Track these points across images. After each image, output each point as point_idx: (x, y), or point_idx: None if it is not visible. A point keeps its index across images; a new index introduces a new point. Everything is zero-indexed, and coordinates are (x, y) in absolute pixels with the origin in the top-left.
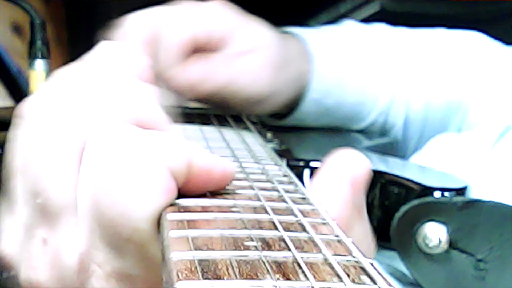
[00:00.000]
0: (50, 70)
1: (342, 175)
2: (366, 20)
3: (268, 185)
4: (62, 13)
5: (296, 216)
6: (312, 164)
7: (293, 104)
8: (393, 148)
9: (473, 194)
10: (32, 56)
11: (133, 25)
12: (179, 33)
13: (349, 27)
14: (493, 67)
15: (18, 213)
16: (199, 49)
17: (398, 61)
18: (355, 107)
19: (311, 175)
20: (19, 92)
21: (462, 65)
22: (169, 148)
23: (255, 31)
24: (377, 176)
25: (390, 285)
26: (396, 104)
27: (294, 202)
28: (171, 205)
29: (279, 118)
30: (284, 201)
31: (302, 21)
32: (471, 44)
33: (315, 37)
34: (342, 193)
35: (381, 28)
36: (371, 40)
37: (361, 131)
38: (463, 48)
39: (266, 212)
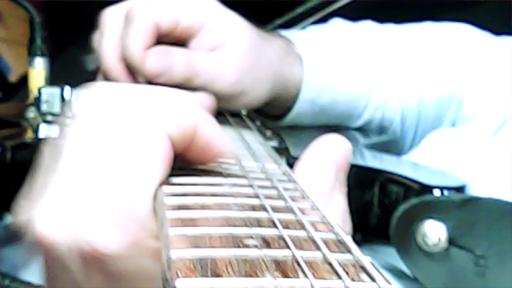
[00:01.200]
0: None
1: (326, 154)
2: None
3: (268, 183)
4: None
5: (295, 214)
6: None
7: (287, 106)
8: (391, 146)
9: (471, 189)
10: (31, 54)
11: (110, 16)
12: (141, 18)
13: (336, 26)
14: (484, 58)
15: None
16: (166, 37)
17: (388, 57)
18: (349, 104)
19: None
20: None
21: (452, 58)
22: (176, 112)
23: (227, 26)
24: (377, 175)
25: (389, 283)
26: (392, 100)
27: (293, 200)
28: (171, 203)
29: (276, 119)
30: (284, 199)
31: (259, 23)
32: (459, 36)
33: (302, 38)
34: (326, 166)
35: (368, 26)
36: (359, 37)
37: (360, 130)
38: (451, 41)
39: (266, 210)
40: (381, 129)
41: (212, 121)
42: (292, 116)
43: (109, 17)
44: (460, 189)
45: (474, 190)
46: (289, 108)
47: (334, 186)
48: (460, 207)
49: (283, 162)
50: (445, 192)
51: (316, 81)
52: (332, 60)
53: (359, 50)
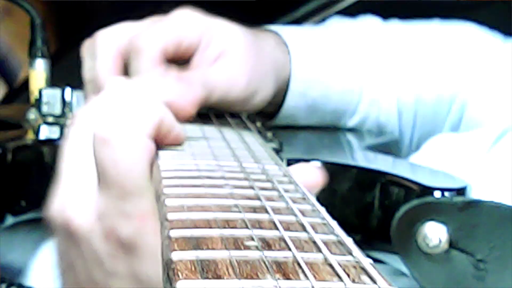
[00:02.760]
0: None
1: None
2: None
3: (268, 184)
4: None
5: (296, 216)
6: (313, 164)
7: (279, 102)
8: (392, 147)
9: (472, 194)
10: (32, 56)
11: (104, 40)
12: (150, 48)
13: (333, 22)
14: (490, 63)
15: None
16: (170, 59)
17: (386, 54)
18: (341, 98)
19: None
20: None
21: (456, 59)
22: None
23: (223, 33)
24: (377, 176)
25: (390, 285)
26: (387, 97)
27: (294, 201)
28: (172, 205)
29: (270, 117)
30: (284, 200)
31: (261, 23)
32: (465, 38)
33: (290, 31)
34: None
35: (370, 22)
36: (355, 33)
37: (358, 131)
38: (457, 42)
39: (266, 211)
40: (379, 128)
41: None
42: (285, 110)
43: (102, 40)
44: (461, 191)
45: (475, 195)
46: (280, 103)
47: None
48: (462, 209)
49: (283, 163)
50: (446, 194)
51: (304, 73)
52: (321, 53)
53: (353, 46)
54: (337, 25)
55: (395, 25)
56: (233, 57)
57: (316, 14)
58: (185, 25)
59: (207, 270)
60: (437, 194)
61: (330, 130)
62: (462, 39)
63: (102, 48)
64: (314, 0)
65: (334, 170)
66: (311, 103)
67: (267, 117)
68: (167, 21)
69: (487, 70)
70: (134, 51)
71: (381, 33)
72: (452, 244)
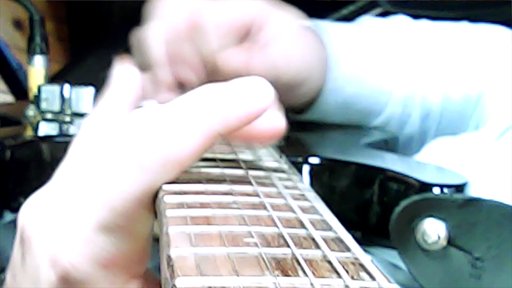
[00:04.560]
0: (49, 66)
1: None
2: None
3: (267, 181)
4: (63, 10)
5: (295, 212)
6: (311, 160)
7: (314, 97)
8: (390, 144)
9: (473, 192)
10: (31, 52)
11: (170, 9)
12: (221, 19)
13: (366, 21)
14: None
15: None
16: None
17: (416, 53)
18: (372, 98)
19: (310, 171)
20: (19, 87)
21: (483, 59)
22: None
23: (276, 18)
24: (376, 172)
25: (389, 281)
26: (412, 96)
27: (293, 198)
28: (170, 201)
29: (300, 112)
30: (283, 197)
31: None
32: (493, 39)
33: (328, 26)
34: None
35: (401, 20)
36: (388, 32)
37: (356, 127)
38: (485, 43)
39: (265, 208)
40: (399, 128)
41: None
42: (318, 106)
43: (171, 9)
44: (460, 187)
45: (476, 193)
46: (311, 100)
47: None
48: (462, 207)
49: (283, 159)
50: (445, 190)
51: (342, 69)
52: (357, 50)
53: (386, 45)
54: (369, 23)
55: (426, 24)
56: (284, 42)
57: (358, 16)
58: (249, 3)
59: (206, 267)
60: (436, 190)
61: (330, 127)
62: (491, 40)
63: (169, 17)
64: (350, 5)
65: (333, 166)
66: (344, 100)
67: (296, 112)
68: (223, 1)
69: (509, 71)
70: (206, 24)
71: (412, 32)
72: (450, 241)
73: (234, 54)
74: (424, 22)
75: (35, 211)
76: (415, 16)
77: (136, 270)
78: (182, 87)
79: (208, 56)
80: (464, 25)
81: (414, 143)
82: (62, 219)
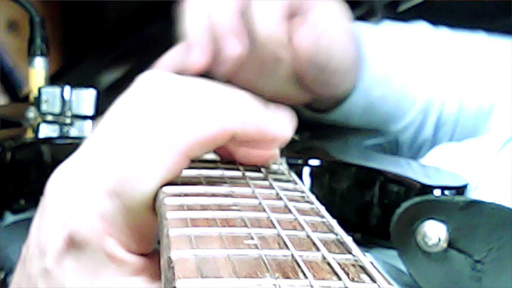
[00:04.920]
0: (49, 68)
1: None
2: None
3: (266, 183)
4: (58, 11)
5: (294, 214)
6: (311, 162)
7: (341, 96)
8: (391, 147)
9: (474, 197)
10: (31, 54)
11: None
12: None
13: (388, 26)
14: None
15: None
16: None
17: (435, 61)
18: (397, 102)
19: (311, 173)
20: (13, 88)
21: (498, 71)
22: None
23: (331, 5)
24: (377, 174)
25: (389, 283)
26: (431, 104)
27: (292, 200)
28: (171, 203)
29: (323, 111)
30: (282, 199)
31: None
32: (509, 51)
33: (361, 28)
34: None
35: (422, 28)
36: (412, 38)
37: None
38: (500, 56)
39: (265, 210)
40: (414, 135)
41: (253, 120)
42: (345, 106)
43: None
44: (460, 189)
45: (480, 197)
46: (337, 101)
47: None
48: (463, 209)
49: (283, 161)
50: (446, 192)
51: (372, 71)
52: (387, 54)
53: (409, 50)
54: (391, 27)
55: (445, 33)
56: (331, 26)
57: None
58: None
59: (207, 269)
60: (437, 192)
61: (330, 128)
62: (506, 53)
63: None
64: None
65: (333, 168)
66: (370, 103)
67: (318, 111)
68: None
69: None
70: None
71: (432, 40)
72: (450, 244)
73: (279, 24)
74: (443, 31)
75: (57, 181)
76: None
77: (139, 247)
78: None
79: (257, 27)
80: (481, 37)
81: (424, 151)
82: (77, 185)
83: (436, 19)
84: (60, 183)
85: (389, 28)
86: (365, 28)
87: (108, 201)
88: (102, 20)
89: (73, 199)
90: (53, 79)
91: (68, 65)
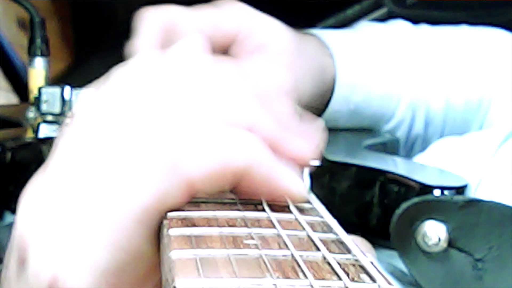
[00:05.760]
0: (51, 67)
1: None
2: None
3: None
4: (67, 10)
5: (295, 214)
6: (311, 162)
7: (323, 103)
8: (390, 147)
9: (477, 195)
10: (31, 54)
11: (149, 17)
12: (201, 26)
13: (365, 25)
14: None
15: None
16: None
17: (417, 59)
18: (382, 102)
19: (311, 173)
20: (22, 86)
21: (483, 64)
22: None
23: (264, 27)
24: (377, 174)
25: (390, 283)
26: (417, 101)
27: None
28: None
29: None
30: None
31: (309, 24)
32: (493, 42)
33: (332, 34)
34: None
35: (400, 26)
36: (390, 37)
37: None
38: (485, 48)
39: (264, 210)
40: (408, 132)
41: (267, 160)
42: (328, 114)
43: (146, 17)
44: (461, 189)
45: (480, 195)
46: (323, 107)
47: None
48: (462, 208)
49: None
50: (446, 192)
51: (349, 77)
52: (363, 57)
53: (388, 51)
54: (369, 28)
55: (425, 29)
56: (271, 52)
57: (363, 16)
58: (224, 12)
59: (207, 268)
60: (437, 192)
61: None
62: (490, 44)
63: (146, 24)
64: (356, 4)
65: (333, 168)
66: (353, 107)
67: None
68: (208, 7)
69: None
70: (178, 33)
71: (412, 38)
72: (451, 243)
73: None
74: (424, 28)
75: (34, 214)
76: (415, 21)
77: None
78: None
79: None
80: (464, 30)
81: (417, 147)
82: (65, 228)
83: (443, 12)
84: (41, 220)
85: (366, 30)
86: (338, 34)
87: (108, 253)
88: (112, 18)
89: (63, 249)
90: (62, 79)
91: (77, 64)
